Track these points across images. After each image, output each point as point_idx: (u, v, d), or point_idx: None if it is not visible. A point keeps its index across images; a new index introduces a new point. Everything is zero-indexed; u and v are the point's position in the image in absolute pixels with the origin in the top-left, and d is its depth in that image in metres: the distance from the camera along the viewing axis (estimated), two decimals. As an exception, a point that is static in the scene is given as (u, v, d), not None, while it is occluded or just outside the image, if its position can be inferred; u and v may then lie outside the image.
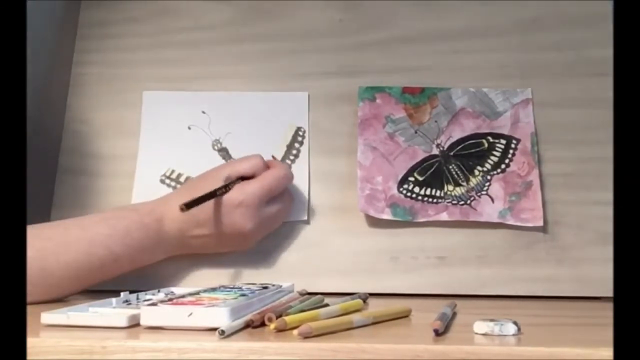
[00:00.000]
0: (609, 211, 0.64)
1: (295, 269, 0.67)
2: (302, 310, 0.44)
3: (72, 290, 0.59)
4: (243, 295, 0.48)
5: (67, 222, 0.60)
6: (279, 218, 0.66)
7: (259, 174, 0.63)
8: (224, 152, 0.71)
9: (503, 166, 0.69)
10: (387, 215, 0.67)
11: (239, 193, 0.61)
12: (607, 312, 0.41)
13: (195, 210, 0.58)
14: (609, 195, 0.64)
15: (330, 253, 0.67)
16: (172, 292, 0.56)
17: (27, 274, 0.52)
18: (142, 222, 0.60)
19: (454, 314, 0.48)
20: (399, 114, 0.71)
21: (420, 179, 0.69)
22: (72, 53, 0.76)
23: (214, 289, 0.53)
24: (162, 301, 0.44)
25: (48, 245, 0.56)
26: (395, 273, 0.66)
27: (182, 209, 0.56)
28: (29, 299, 0.54)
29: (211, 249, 0.65)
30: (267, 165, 0.65)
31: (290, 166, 0.70)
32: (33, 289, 0.54)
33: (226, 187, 0.61)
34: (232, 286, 0.55)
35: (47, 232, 0.57)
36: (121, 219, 0.60)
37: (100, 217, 0.60)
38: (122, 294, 0.51)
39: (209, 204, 0.60)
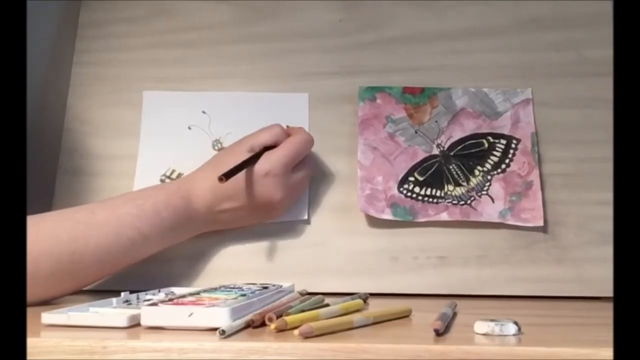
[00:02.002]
0: (609, 211, 0.64)
1: (295, 269, 0.67)
2: (303, 311, 0.44)
3: (101, 274, 0.59)
4: (243, 295, 0.48)
5: (94, 205, 0.60)
6: (304, 183, 0.68)
7: (281, 142, 0.64)
8: (224, 152, 0.71)
9: (503, 166, 0.69)
10: (387, 215, 0.67)
11: (265, 163, 0.62)
12: (607, 312, 0.41)
13: (221, 185, 0.59)
14: (609, 195, 0.64)
15: (330, 253, 0.67)
16: (172, 292, 0.56)
17: (58, 259, 0.53)
18: (170, 201, 0.60)
19: (454, 314, 0.48)
20: (399, 114, 0.71)
21: (421, 179, 0.69)
22: (72, 53, 0.76)
23: (214, 289, 0.53)
24: (162, 301, 0.44)
25: (78, 228, 0.55)
26: (395, 273, 0.66)
27: (221, 180, 0.56)
28: (58, 292, 0.55)
29: (240, 222, 0.65)
30: (287, 133, 0.66)
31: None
32: (64, 276, 0.55)
33: (256, 157, 0.62)
34: (232, 286, 0.55)
35: (75, 215, 0.57)
36: (148, 199, 0.59)
37: (127, 198, 0.60)
38: (122, 294, 0.51)
39: (236, 176, 0.60)
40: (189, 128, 0.72)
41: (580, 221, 0.67)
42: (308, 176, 0.68)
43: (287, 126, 0.68)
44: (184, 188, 0.62)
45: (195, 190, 0.61)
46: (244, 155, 0.62)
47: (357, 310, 0.48)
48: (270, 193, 0.62)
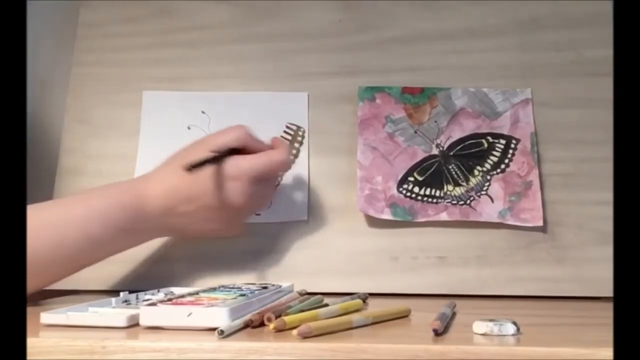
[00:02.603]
0: (609, 211, 0.64)
1: (295, 269, 0.67)
2: (302, 310, 0.44)
3: (49, 278, 0.55)
4: (242, 295, 0.48)
5: (42, 204, 0.55)
6: (266, 200, 0.65)
7: (249, 145, 0.60)
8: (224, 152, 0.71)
9: (503, 166, 0.69)
10: (386, 215, 0.67)
11: (232, 167, 0.58)
12: (607, 312, 0.41)
13: (182, 185, 0.56)
14: (609, 195, 0.63)
15: (330, 253, 0.67)
16: (171, 292, 0.56)
17: None
18: (121, 201, 0.56)
19: (454, 314, 0.48)
20: (399, 114, 0.71)
21: (420, 179, 0.69)
22: (72, 53, 0.76)
23: (213, 289, 0.53)
24: (161, 301, 0.44)
25: (31, 226, 0.47)
26: (395, 273, 0.66)
27: (188, 169, 0.53)
28: None
29: (196, 229, 0.60)
30: (252, 137, 0.61)
31: (293, 161, 0.70)
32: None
33: (222, 157, 0.58)
34: (231, 286, 0.55)
35: (31, 213, 0.49)
36: (99, 198, 0.56)
37: (81, 196, 0.57)
38: (121, 293, 0.51)
39: (199, 177, 0.56)
40: (189, 128, 0.72)
41: (579, 221, 0.67)
42: (272, 193, 0.65)
43: (275, 138, 0.65)
44: (139, 187, 0.58)
45: (150, 190, 0.57)
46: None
47: (357, 310, 0.48)
48: (232, 198, 0.58)
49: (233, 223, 0.62)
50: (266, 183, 0.62)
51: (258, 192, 0.60)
